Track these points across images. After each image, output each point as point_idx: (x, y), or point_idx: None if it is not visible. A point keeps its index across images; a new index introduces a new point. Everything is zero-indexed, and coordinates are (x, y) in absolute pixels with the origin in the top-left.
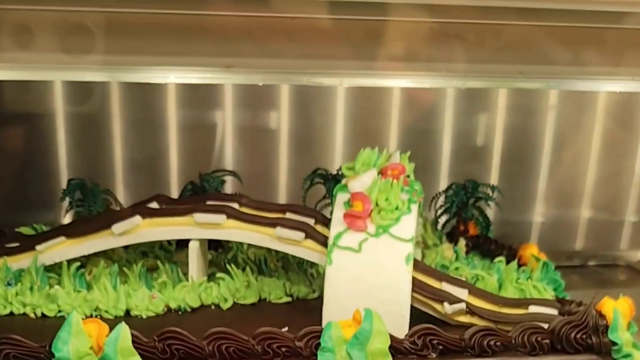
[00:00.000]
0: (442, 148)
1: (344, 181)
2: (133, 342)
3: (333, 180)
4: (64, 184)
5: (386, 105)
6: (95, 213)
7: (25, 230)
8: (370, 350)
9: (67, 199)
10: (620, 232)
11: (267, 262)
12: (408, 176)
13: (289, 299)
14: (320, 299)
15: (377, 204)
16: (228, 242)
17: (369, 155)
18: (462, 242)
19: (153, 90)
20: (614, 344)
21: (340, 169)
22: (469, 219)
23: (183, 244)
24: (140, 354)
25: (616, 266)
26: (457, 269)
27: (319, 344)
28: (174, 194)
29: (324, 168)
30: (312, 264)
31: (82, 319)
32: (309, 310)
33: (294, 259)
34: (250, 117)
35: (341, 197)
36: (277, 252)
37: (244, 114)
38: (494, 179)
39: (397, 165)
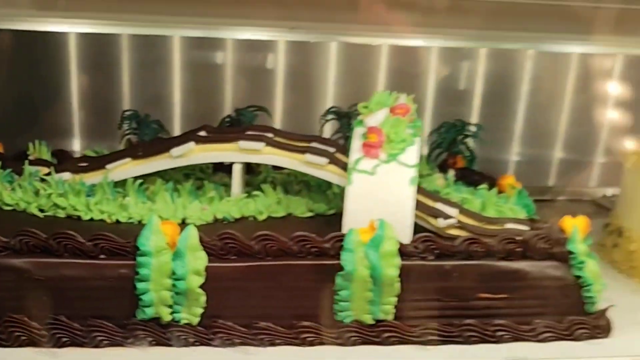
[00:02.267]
0: (427, 90)
1: (360, 117)
2: (200, 239)
3: (346, 117)
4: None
5: (376, 56)
6: (148, 140)
7: (89, 152)
8: (383, 252)
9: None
10: (589, 171)
11: (292, 184)
12: (411, 114)
13: (311, 214)
14: (336, 215)
15: (388, 137)
16: (259, 167)
17: (382, 96)
18: (451, 173)
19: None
20: (572, 253)
21: (352, 106)
22: (457, 153)
23: (218, 168)
24: (204, 249)
25: (583, 201)
26: (447, 193)
27: (342, 245)
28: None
29: (338, 106)
30: (329, 187)
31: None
32: (328, 223)
33: (314, 182)
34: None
35: (359, 130)
36: (299, 176)
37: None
38: (474, 120)
39: (403, 105)
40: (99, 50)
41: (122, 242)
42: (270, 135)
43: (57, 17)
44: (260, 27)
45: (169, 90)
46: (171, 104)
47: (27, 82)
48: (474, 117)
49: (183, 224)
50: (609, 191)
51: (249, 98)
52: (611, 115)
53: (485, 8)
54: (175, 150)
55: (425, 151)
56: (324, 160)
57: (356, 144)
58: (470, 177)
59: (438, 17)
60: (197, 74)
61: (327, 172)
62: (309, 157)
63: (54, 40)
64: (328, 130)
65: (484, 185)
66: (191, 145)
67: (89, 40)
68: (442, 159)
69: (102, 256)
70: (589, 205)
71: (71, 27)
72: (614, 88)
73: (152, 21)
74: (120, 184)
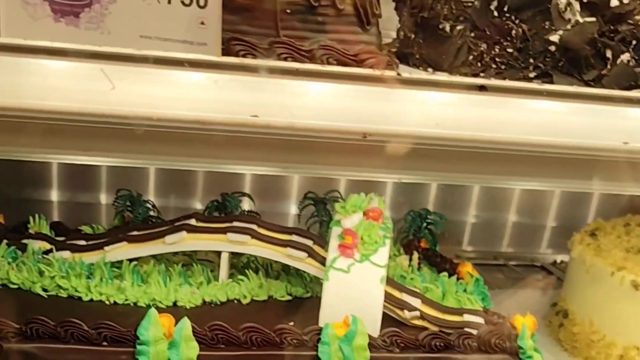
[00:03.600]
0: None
1: (336, 217)
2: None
3: (321, 203)
4: None
5: None
6: (141, 218)
7: (86, 228)
8: (355, 345)
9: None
10: (540, 236)
11: (272, 266)
12: (383, 217)
13: (289, 297)
14: (312, 298)
15: (362, 239)
16: None
17: (357, 199)
18: (415, 256)
19: None
20: (521, 348)
21: (327, 193)
22: (421, 237)
23: None
24: (196, 339)
25: (534, 267)
26: (412, 279)
27: (319, 338)
28: None
29: (314, 192)
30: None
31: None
32: (304, 307)
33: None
34: None
35: (336, 230)
36: None
37: None
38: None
39: (376, 208)
40: None
41: (123, 330)
42: (254, 227)
43: None
44: None
45: None
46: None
47: None
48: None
49: (174, 306)
50: (559, 258)
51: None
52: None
53: None
54: (169, 238)
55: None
56: (303, 254)
57: (333, 243)
58: (432, 259)
59: None
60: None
61: (306, 265)
62: (290, 251)
63: None
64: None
65: (445, 273)
66: (183, 234)
67: None
68: (407, 240)
69: (104, 343)
70: (539, 272)
71: None
72: None
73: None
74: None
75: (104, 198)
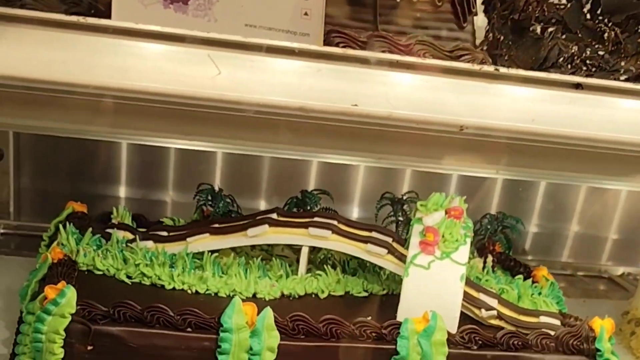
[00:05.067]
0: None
1: (418, 215)
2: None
3: (398, 203)
4: None
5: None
6: (220, 212)
7: (167, 220)
8: (434, 341)
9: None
10: (603, 247)
11: (349, 263)
12: (464, 216)
13: (365, 294)
14: (388, 295)
15: (443, 236)
16: None
17: (438, 198)
18: (489, 259)
19: None
20: (599, 350)
21: (404, 194)
22: (496, 241)
23: None
24: (277, 328)
25: (600, 278)
26: (487, 281)
27: (399, 332)
28: None
29: (392, 192)
30: (382, 268)
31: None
32: (382, 303)
33: (370, 262)
34: None
35: (417, 227)
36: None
37: None
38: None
39: (457, 208)
40: None
41: (207, 317)
42: (335, 222)
43: None
44: None
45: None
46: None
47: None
48: (498, 183)
49: (254, 298)
50: (620, 270)
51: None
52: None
53: None
54: (251, 231)
55: None
56: (383, 250)
57: (414, 240)
58: (506, 263)
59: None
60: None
61: (385, 261)
62: (370, 247)
63: None
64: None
65: (520, 276)
66: (265, 227)
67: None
68: (481, 244)
69: (188, 329)
70: (606, 283)
71: None
72: None
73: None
74: (198, 253)
75: (172, 195)
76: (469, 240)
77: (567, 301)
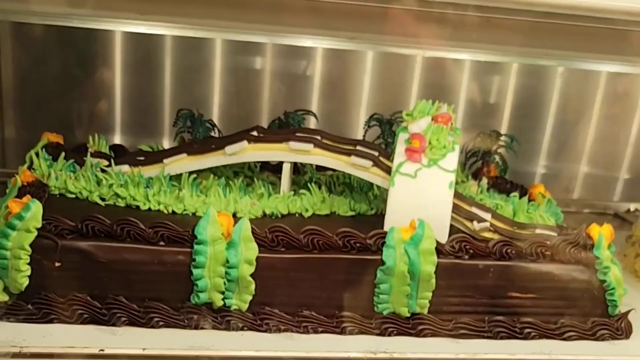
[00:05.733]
0: (459, 102)
1: (403, 124)
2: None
3: (387, 124)
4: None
5: (410, 67)
6: (200, 138)
7: (145, 147)
8: (421, 249)
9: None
10: (613, 186)
11: (335, 184)
12: (452, 123)
13: (353, 213)
14: (376, 215)
15: (429, 143)
16: (304, 167)
17: (425, 105)
18: (484, 181)
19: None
20: (597, 258)
21: (394, 114)
22: (491, 162)
23: (264, 167)
24: (255, 240)
25: (606, 214)
26: (481, 199)
27: (384, 242)
28: None
29: (380, 113)
30: (370, 189)
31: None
32: (369, 222)
33: (356, 183)
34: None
35: (402, 136)
36: (342, 177)
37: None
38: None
39: (445, 114)
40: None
41: (181, 230)
42: (318, 137)
43: (105, 16)
44: (299, 35)
45: (210, 92)
46: (211, 105)
47: (73, 78)
48: (503, 130)
49: (234, 217)
50: (632, 206)
51: (286, 103)
52: (637, 132)
53: (518, 25)
54: (230, 148)
55: (461, 159)
56: (368, 162)
57: (400, 148)
58: (502, 186)
59: (471, 31)
60: (237, 77)
61: (371, 174)
62: (354, 159)
63: (100, 37)
64: (370, 136)
65: (515, 194)
66: (244, 144)
67: (134, 40)
68: (476, 167)
69: (161, 243)
70: (613, 219)
71: (117, 26)
72: None
73: (195, 24)
74: (175, 177)
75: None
76: (457, 148)
77: None
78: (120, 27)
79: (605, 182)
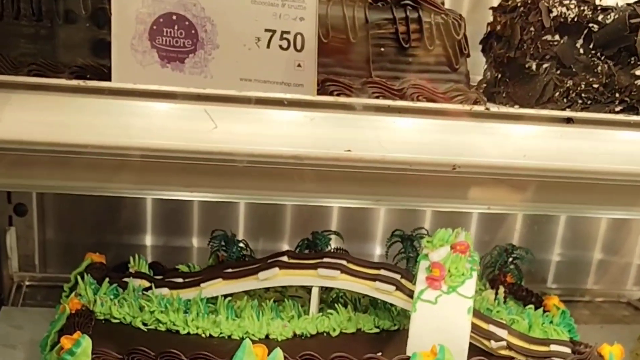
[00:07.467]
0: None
1: (424, 251)
2: None
3: (408, 240)
4: None
5: None
6: (234, 257)
7: (182, 267)
8: None
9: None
10: (626, 273)
11: (360, 301)
12: (470, 251)
13: (377, 330)
14: (399, 331)
15: (449, 271)
16: None
17: (444, 234)
18: (501, 290)
19: None
20: None
21: (413, 230)
22: (507, 272)
23: None
24: None
25: (619, 303)
26: (498, 312)
27: None
28: None
29: (401, 229)
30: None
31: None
32: (393, 339)
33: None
34: None
35: (423, 264)
36: None
37: None
38: (519, 221)
39: (463, 242)
40: None
41: None
42: (344, 262)
43: None
44: None
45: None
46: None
47: None
48: (519, 217)
49: (267, 339)
50: None
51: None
52: None
53: None
54: (262, 274)
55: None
56: (391, 287)
57: (421, 276)
58: (518, 293)
59: None
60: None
61: (394, 298)
62: (378, 284)
63: None
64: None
65: (531, 305)
66: (276, 270)
67: None
68: (493, 275)
69: None
70: (626, 308)
71: None
72: None
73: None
74: (211, 297)
75: (196, 242)
76: (475, 274)
77: (584, 327)
78: None
79: (618, 269)
